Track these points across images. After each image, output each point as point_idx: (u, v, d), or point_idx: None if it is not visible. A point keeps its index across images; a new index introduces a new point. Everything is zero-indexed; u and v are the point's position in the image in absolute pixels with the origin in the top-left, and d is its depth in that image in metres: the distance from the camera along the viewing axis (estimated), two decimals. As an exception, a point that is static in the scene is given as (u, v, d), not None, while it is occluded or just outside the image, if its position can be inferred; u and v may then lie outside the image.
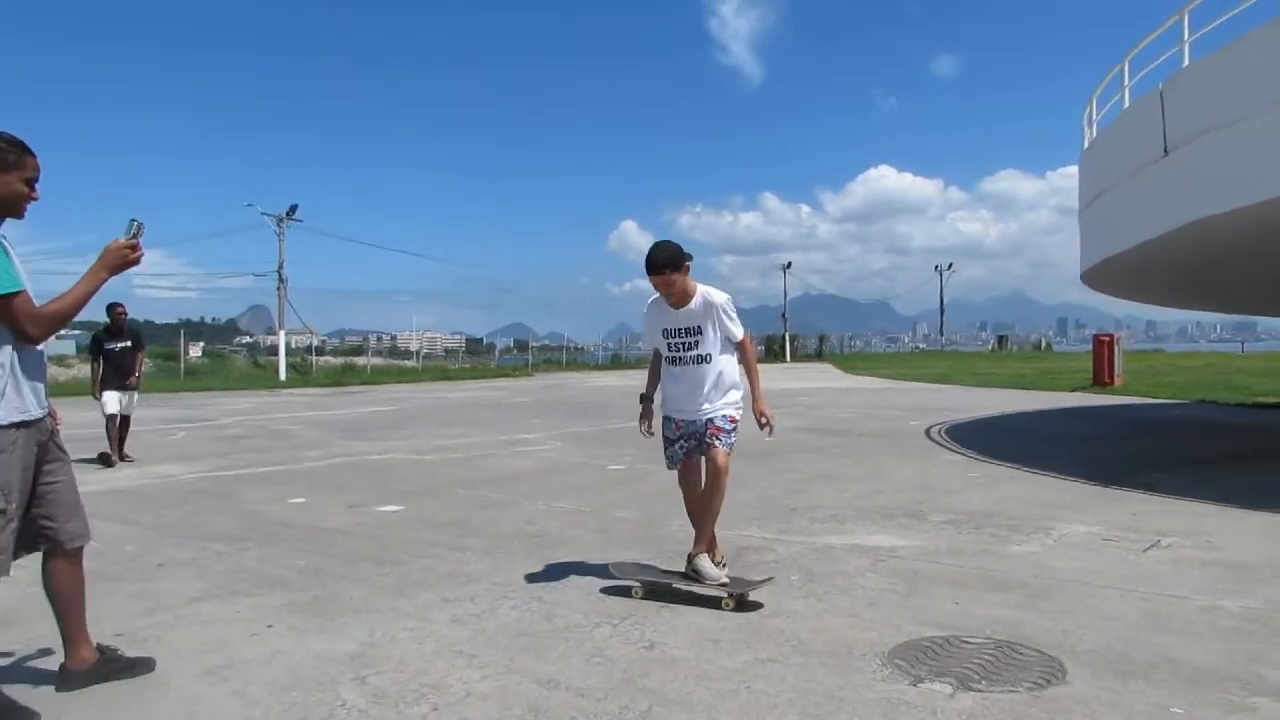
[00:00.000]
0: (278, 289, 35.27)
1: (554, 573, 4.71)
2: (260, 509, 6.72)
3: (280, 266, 35.43)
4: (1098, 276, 13.02)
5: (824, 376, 31.02)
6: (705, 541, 4.33)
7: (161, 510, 6.73)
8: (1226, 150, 7.89)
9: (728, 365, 4.38)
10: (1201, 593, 4.23)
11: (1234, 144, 7.79)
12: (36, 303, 2.95)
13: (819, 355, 54.78)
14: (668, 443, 4.48)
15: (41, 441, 3.05)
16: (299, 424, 14.39)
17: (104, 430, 9.55)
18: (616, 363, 46.59)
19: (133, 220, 3.06)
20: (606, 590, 4.35)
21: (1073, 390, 20.88)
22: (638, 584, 4.30)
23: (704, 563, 4.24)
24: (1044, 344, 69.85)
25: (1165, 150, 8.95)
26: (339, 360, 41.50)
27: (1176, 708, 2.89)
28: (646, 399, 4.61)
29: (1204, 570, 4.67)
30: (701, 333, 4.33)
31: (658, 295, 4.36)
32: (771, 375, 31.34)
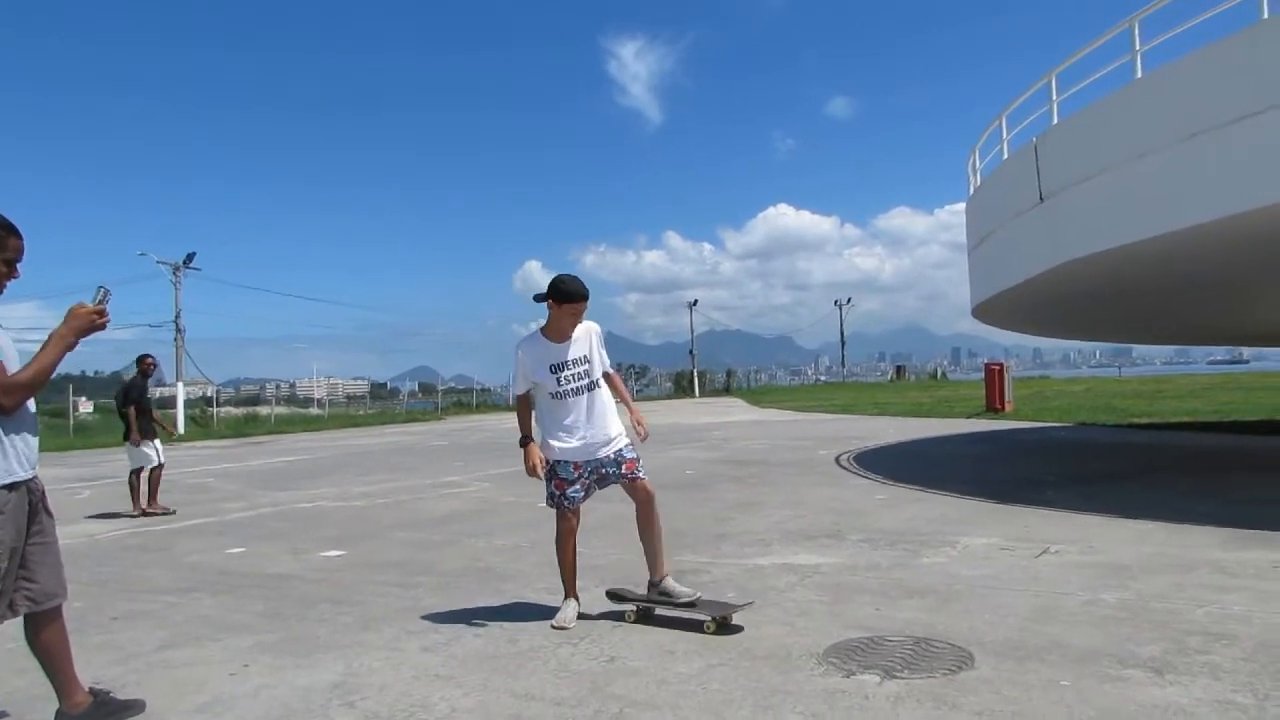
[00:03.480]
0: (175, 339, 34.26)
1: (508, 603, 5.02)
2: (201, 560, 6.79)
3: (177, 316, 34.48)
4: (987, 311, 14.04)
5: (734, 411, 31.83)
6: (666, 564, 4.58)
7: (95, 567, 6.71)
8: (1090, 200, 8.84)
9: (607, 392, 4.59)
10: (1084, 589, 4.84)
11: (1096, 194, 8.73)
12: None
13: (727, 390, 55.94)
14: (564, 484, 4.50)
15: (32, 502, 3.18)
16: (213, 476, 14.16)
17: (127, 481, 9.81)
18: (528, 404, 46.61)
19: (100, 287, 3.17)
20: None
21: (968, 416, 22.11)
22: (632, 607, 4.52)
23: (672, 584, 4.49)
24: (940, 373, 72.86)
25: (1040, 198, 9.90)
26: (240, 410, 40.37)
27: (1064, 680, 3.42)
28: (528, 439, 4.51)
29: (1086, 571, 5.31)
30: (589, 361, 4.50)
31: (533, 333, 4.51)
32: (683, 411, 32.02)
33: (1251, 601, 4.52)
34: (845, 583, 5.21)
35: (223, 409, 39.00)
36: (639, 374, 61.41)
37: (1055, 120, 9.95)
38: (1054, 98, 10.03)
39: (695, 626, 4.30)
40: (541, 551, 6.56)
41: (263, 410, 39.91)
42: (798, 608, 4.67)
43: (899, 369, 72.84)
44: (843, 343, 74.29)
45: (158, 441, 9.97)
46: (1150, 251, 8.34)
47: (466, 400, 48.37)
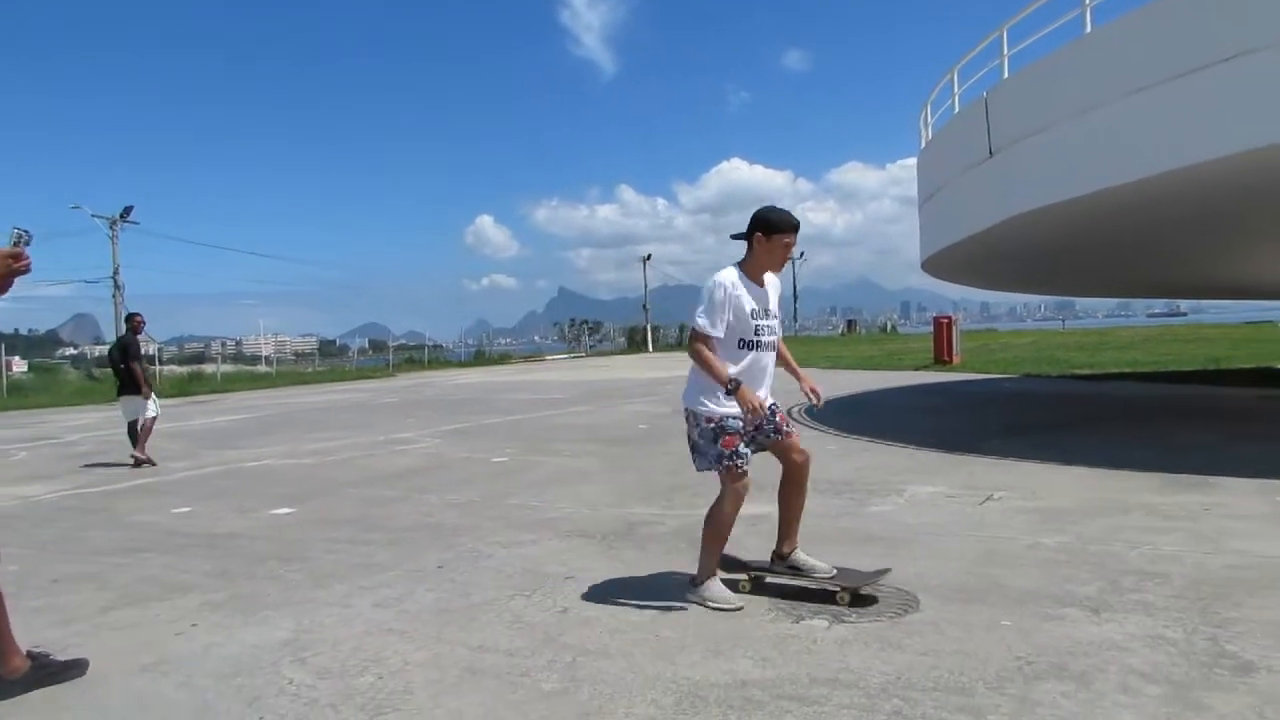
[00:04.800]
0: (113, 296, 33.28)
1: (460, 557, 5.01)
2: (145, 520, 6.66)
3: (115, 272, 33.45)
4: (936, 265, 14.20)
5: (687, 365, 31.91)
6: (796, 536, 4.15)
7: (31, 530, 6.53)
8: (1038, 154, 8.92)
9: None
10: (1026, 534, 4.98)
11: (1044, 149, 8.82)
12: None
13: (680, 345, 56.11)
14: (735, 440, 3.90)
15: None
16: (156, 436, 13.83)
17: (128, 432, 10.30)
18: (480, 359, 46.32)
19: (15, 229, 2.98)
20: (514, 569, 4.69)
21: (917, 369, 22.48)
22: (745, 577, 4.11)
23: (806, 557, 4.07)
24: (890, 327, 73.94)
25: (990, 152, 9.97)
26: (184, 369, 39.51)
27: (1006, 620, 3.53)
28: (738, 381, 3.78)
29: (1028, 516, 5.45)
30: (778, 316, 4.07)
31: (738, 272, 3.91)
32: (637, 366, 32.07)
33: (1183, 542, 4.69)
34: (795, 531, 5.28)
35: (166, 367, 38.15)
36: (592, 329, 61.26)
37: (1006, 75, 9.99)
38: (1005, 52, 10.05)
39: (824, 598, 3.87)
40: (494, 506, 6.56)
41: (208, 368, 39.05)
42: (747, 556, 4.72)
43: (850, 323, 73.74)
44: (795, 297, 74.77)
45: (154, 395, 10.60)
46: (1095, 206, 8.47)
47: (418, 357, 47.88)
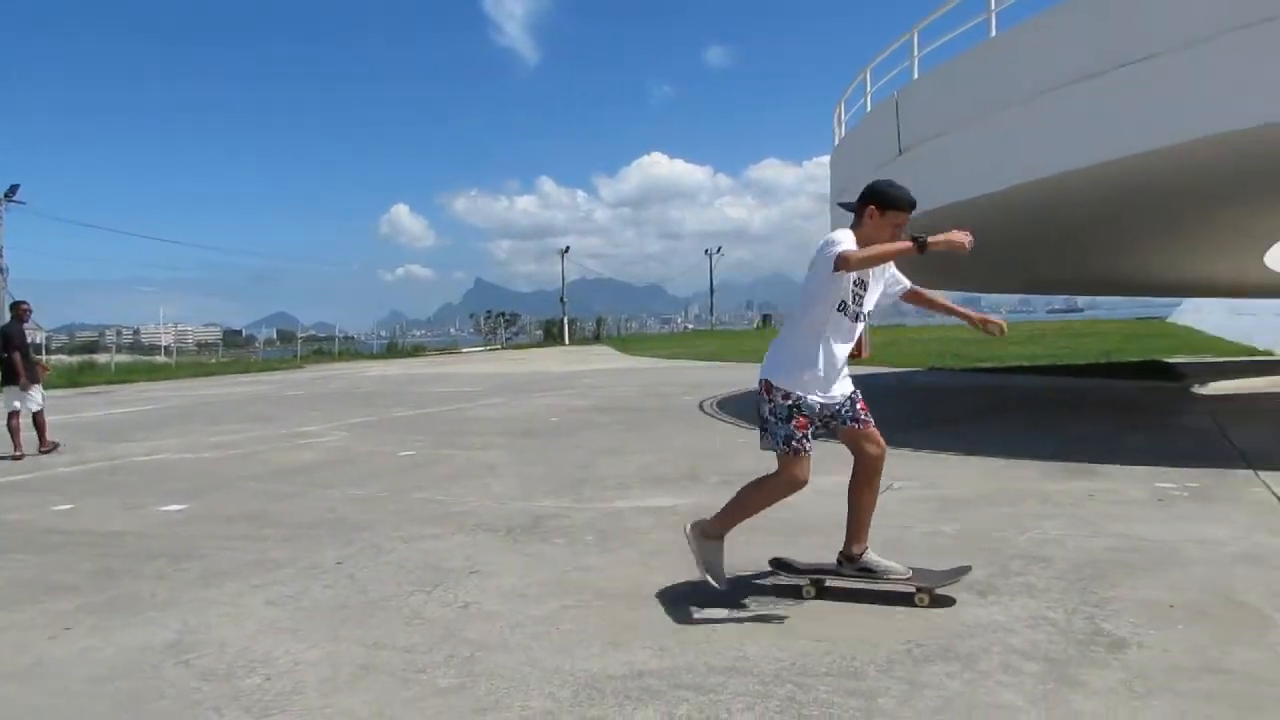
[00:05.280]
0: (-3, 282, 31.45)
1: (361, 553, 4.88)
2: (21, 518, 6.30)
3: (-1, 256, 31.65)
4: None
5: (603, 358, 31.95)
6: (866, 537, 3.90)
7: (-101, 529, 6.13)
8: (945, 154, 9.19)
9: None
10: (925, 521, 5.13)
11: (950, 149, 9.08)
12: None
13: (597, 338, 56.09)
14: (807, 423, 3.69)
15: None
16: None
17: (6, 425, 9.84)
18: (393, 351, 45.42)
19: None
20: (415, 564, 4.59)
21: (826, 362, 22.93)
22: (807, 582, 3.82)
23: (877, 558, 3.83)
24: (803, 321, 74.93)
25: (900, 151, 10.22)
26: (74, 359, 37.60)
27: (899, 606, 3.61)
28: (922, 236, 3.48)
29: (928, 505, 5.61)
30: (870, 289, 3.79)
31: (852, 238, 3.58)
32: (552, 358, 31.96)
33: (1068, 527, 4.89)
34: (701, 522, 5.31)
35: (54, 356, 36.26)
36: (509, 322, 60.71)
37: (916, 75, 10.25)
38: (915, 54, 10.32)
39: (905, 600, 3.65)
40: (399, 500, 6.42)
41: (101, 358, 37.25)
42: (653, 548, 4.75)
43: (766, 317, 74.91)
44: (712, 291, 75.60)
45: (39, 385, 10.22)
46: (996, 206, 8.77)
47: (328, 348, 46.69)
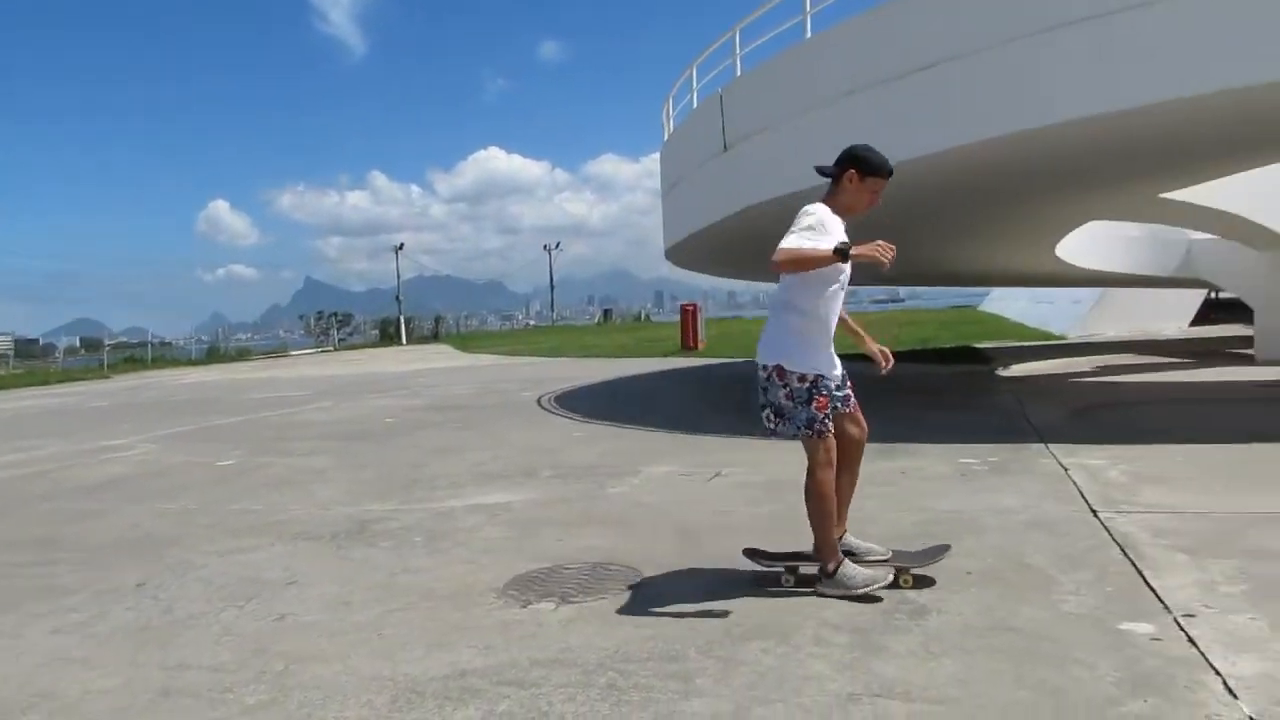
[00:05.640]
0: None
1: (167, 570, 4.56)
2: None
3: None
4: (678, 253, 14.79)
5: (442, 357, 31.25)
6: (846, 520, 3.85)
7: None
8: (767, 150, 9.52)
9: None
10: (747, 505, 5.32)
11: (771, 145, 9.41)
12: None
13: (435, 337, 54.85)
14: (827, 402, 3.60)
15: None
16: None
17: None
18: (215, 357, 42.72)
19: None
20: (229, 579, 4.34)
21: (665, 355, 23.35)
22: (784, 569, 3.75)
23: (857, 540, 3.82)
24: (644, 315, 76.32)
25: (725, 146, 10.49)
26: None
27: (722, 588, 3.72)
28: (845, 242, 3.51)
29: (751, 489, 5.81)
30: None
31: (827, 208, 3.61)
32: (388, 359, 30.98)
33: (881, 503, 5.18)
34: (534, 517, 5.30)
35: None
36: (342, 322, 58.38)
37: (739, 73, 10.55)
38: (737, 51, 10.60)
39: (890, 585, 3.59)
40: (212, 513, 6.05)
41: None
42: (483, 546, 4.68)
43: (606, 312, 75.42)
44: (552, 287, 75.43)
45: None
46: (811, 200, 9.15)
47: (140, 355, 43.31)
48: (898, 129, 7.70)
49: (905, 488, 5.63)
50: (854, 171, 3.66)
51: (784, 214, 10.62)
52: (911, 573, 3.65)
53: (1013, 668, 2.81)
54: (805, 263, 3.48)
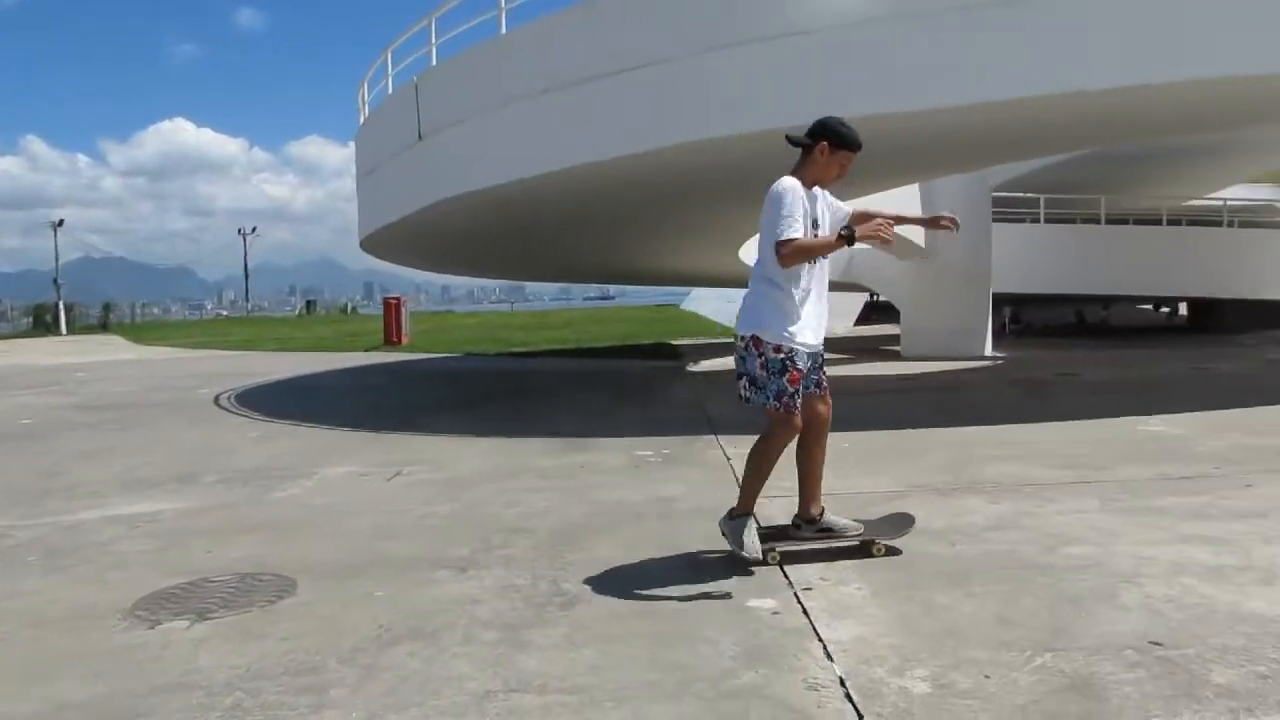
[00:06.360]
0: None
1: None
2: None
3: None
4: (374, 244, 14.24)
5: (107, 349, 27.79)
6: (820, 496, 3.97)
7: None
8: (462, 142, 9.42)
9: None
10: (422, 505, 5.21)
11: (466, 138, 9.33)
12: None
13: (104, 326, 48.72)
14: (800, 377, 3.68)
15: None
16: None
17: None
18: None
19: None
20: None
21: (368, 350, 22.43)
22: (770, 547, 3.77)
23: (835, 517, 3.94)
24: (351, 308, 72.76)
25: (420, 136, 10.25)
26: None
27: (380, 591, 3.62)
28: (849, 226, 3.74)
29: (430, 487, 5.72)
30: (821, 227, 3.79)
31: (799, 184, 3.67)
32: (42, 350, 27.07)
33: (555, 498, 5.30)
34: (184, 527, 4.84)
35: None
36: (-17, 308, 50.15)
37: (434, 62, 10.34)
38: (433, 40, 10.38)
39: (858, 554, 3.83)
40: None
41: None
42: (115, 561, 4.20)
43: (310, 303, 71.08)
44: (246, 275, 69.81)
45: None
46: (505, 196, 9.20)
47: None
48: (585, 130, 7.97)
49: (580, 481, 5.80)
50: (826, 144, 3.76)
51: (478, 208, 10.61)
52: (881, 543, 3.88)
53: (648, 651, 2.98)
54: (813, 252, 3.68)
